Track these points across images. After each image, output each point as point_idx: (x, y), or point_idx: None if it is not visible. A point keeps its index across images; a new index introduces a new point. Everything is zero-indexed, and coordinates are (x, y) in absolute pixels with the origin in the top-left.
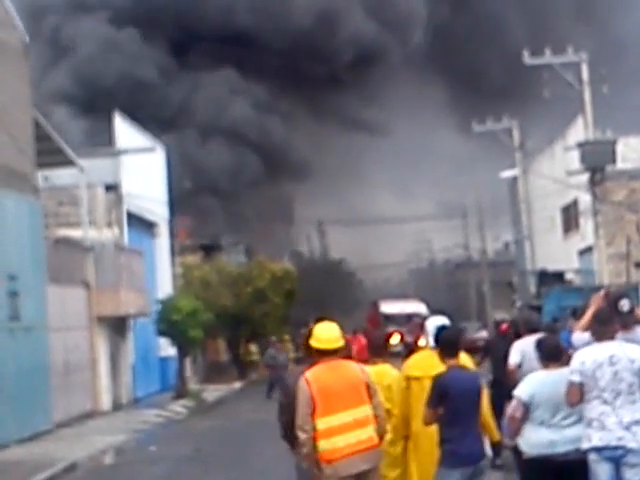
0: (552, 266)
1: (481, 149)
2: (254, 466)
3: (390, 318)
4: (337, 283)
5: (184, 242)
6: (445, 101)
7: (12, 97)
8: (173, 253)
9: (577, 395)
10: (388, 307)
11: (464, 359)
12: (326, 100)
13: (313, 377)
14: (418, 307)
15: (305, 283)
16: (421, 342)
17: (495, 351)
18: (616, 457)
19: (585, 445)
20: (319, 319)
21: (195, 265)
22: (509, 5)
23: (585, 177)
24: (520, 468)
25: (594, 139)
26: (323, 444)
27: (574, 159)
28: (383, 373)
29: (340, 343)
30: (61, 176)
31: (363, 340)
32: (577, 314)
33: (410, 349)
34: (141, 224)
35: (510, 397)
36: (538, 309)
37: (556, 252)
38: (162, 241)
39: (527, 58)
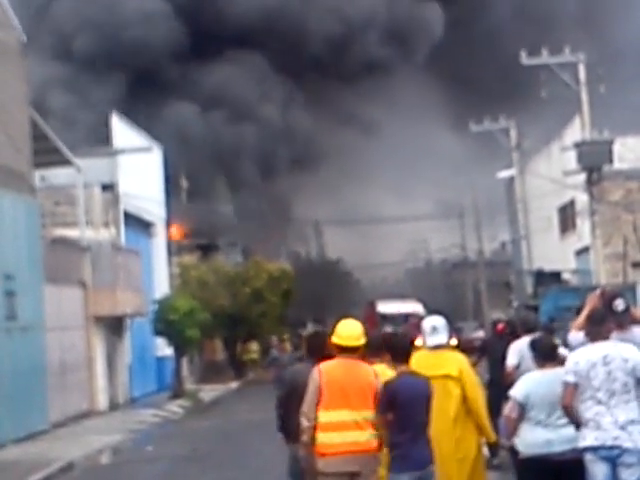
0: (549, 266)
1: (478, 149)
2: (251, 466)
3: (387, 318)
4: (334, 283)
5: (181, 242)
6: (442, 101)
7: (9, 96)
8: (170, 253)
9: (571, 396)
10: (385, 307)
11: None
12: (325, 98)
13: (326, 369)
14: (415, 307)
15: (302, 283)
16: (418, 342)
17: (492, 351)
18: (612, 457)
19: (581, 444)
20: (316, 320)
21: (192, 265)
22: (507, 7)
23: (582, 177)
24: (517, 468)
25: (591, 139)
26: (321, 437)
27: (571, 159)
28: (380, 374)
29: (360, 342)
30: (58, 176)
31: None
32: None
33: None
34: (138, 224)
35: (507, 397)
36: (535, 309)
37: (553, 252)
38: (159, 241)
39: (524, 58)
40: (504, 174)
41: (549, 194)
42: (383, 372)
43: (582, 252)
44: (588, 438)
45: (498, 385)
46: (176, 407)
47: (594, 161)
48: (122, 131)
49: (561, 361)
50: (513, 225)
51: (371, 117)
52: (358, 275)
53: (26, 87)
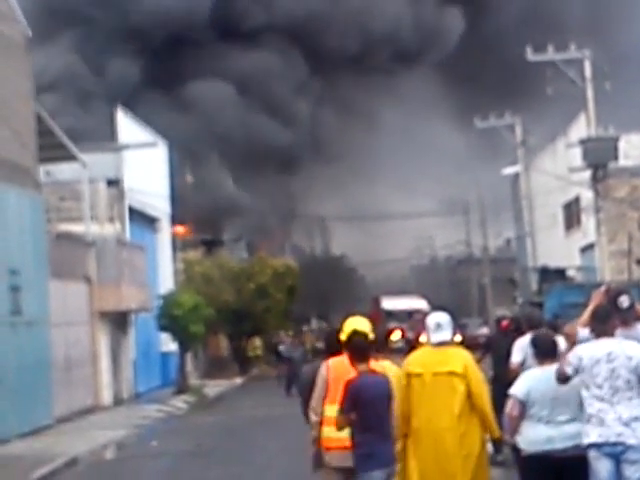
0: (554, 263)
1: (483, 146)
2: (255, 461)
3: (391, 314)
4: (338, 279)
5: (186, 237)
6: (447, 97)
7: (14, 92)
8: (175, 248)
9: (565, 375)
10: (389, 303)
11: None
12: (334, 95)
13: (333, 365)
14: (419, 303)
15: (307, 279)
16: (422, 338)
17: (496, 348)
18: (616, 453)
19: (585, 441)
20: (321, 316)
21: (196, 260)
22: (515, 9)
23: (587, 174)
24: (519, 465)
25: (596, 136)
26: (327, 431)
27: (576, 156)
28: (383, 369)
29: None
30: (63, 171)
31: None
32: None
33: (411, 345)
34: (143, 219)
35: (508, 395)
36: (539, 306)
37: (558, 249)
38: (164, 236)
39: (530, 55)
40: (509, 171)
41: (554, 191)
42: (389, 368)
43: (587, 249)
44: (592, 434)
45: (502, 382)
46: (180, 402)
47: (599, 158)
48: (127, 126)
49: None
50: (518, 222)
51: (377, 113)
52: (363, 271)
53: (31, 82)
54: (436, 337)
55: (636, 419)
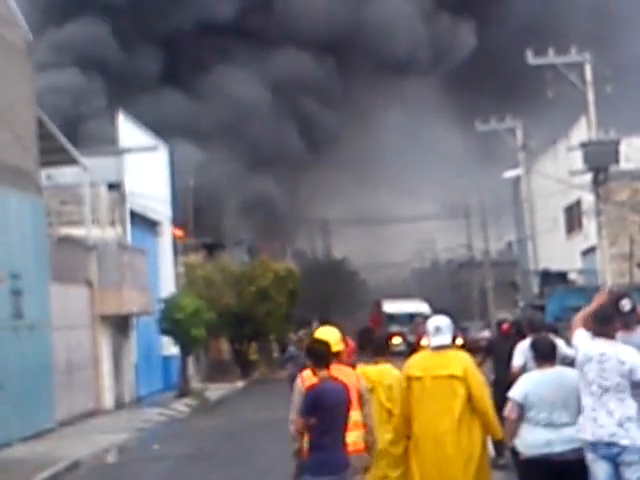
0: (555, 266)
1: (484, 149)
2: (257, 465)
3: (393, 317)
4: (340, 282)
5: (187, 241)
6: (448, 101)
7: (16, 96)
8: (176, 252)
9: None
10: (391, 306)
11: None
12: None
13: (307, 376)
14: (421, 307)
15: (308, 282)
16: (423, 342)
17: (497, 351)
18: (612, 455)
19: (581, 435)
20: (323, 322)
21: (198, 264)
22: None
23: (588, 177)
24: (518, 469)
25: (597, 139)
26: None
27: (577, 159)
28: (384, 373)
29: (338, 347)
30: (64, 175)
31: (352, 344)
32: None
33: (413, 349)
34: (144, 223)
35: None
36: (541, 309)
37: (559, 252)
38: (165, 240)
39: (531, 58)
40: (510, 174)
41: (555, 194)
42: (389, 371)
43: (588, 252)
44: (586, 431)
45: (503, 385)
46: (182, 406)
47: (600, 161)
48: (128, 130)
49: (564, 361)
50: (519, 225)
51: (379, 117)
52: (364, 275)
53: (33, 86)
54: (436, 340)
55: (629, 419)
